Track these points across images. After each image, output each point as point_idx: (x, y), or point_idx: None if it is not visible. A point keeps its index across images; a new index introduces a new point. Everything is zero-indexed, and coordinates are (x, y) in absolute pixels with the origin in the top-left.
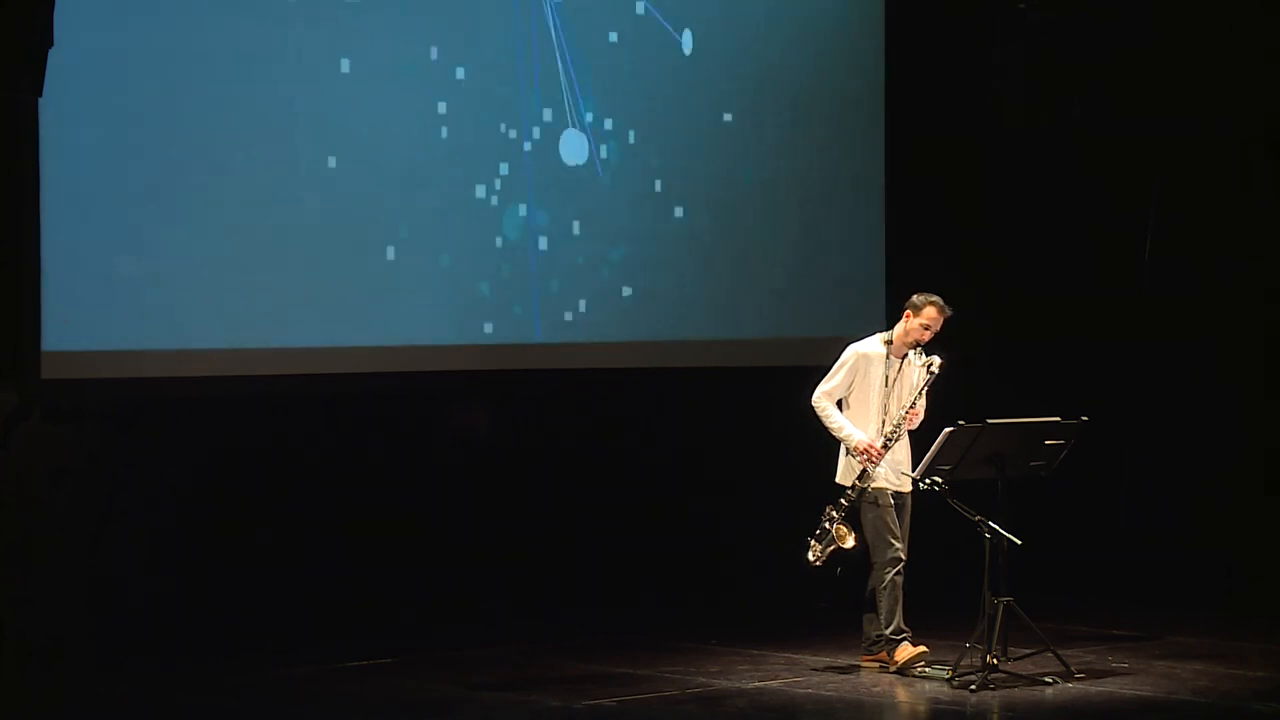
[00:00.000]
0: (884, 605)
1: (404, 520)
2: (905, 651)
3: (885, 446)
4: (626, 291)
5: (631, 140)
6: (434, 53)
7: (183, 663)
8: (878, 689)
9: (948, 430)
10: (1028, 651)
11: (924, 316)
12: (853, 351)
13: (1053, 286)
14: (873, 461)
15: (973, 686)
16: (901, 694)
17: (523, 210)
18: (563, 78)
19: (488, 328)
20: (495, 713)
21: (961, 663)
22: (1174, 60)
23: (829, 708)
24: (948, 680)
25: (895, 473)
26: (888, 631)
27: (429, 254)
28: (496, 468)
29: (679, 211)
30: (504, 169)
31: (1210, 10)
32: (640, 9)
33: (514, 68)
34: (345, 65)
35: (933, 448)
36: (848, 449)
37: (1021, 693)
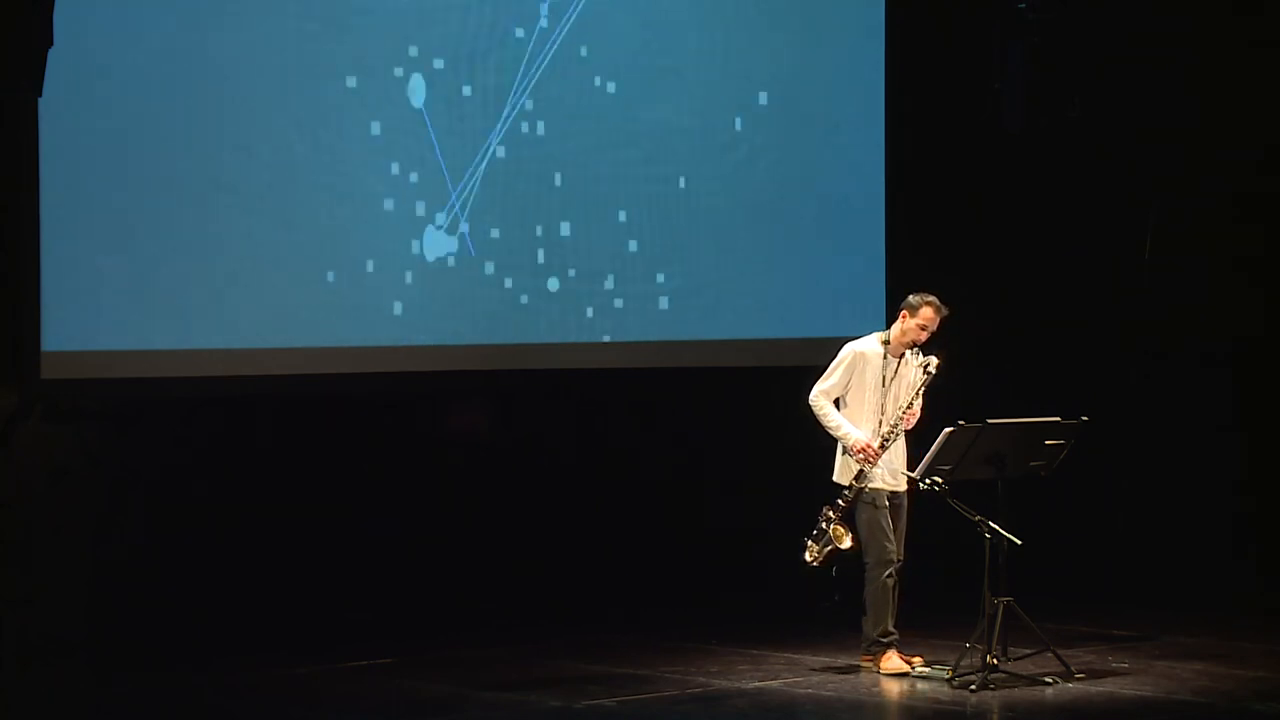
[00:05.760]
0: (873, 607)
1: (404, 520)
2: (891, 662)
3: (882, 447)
4: (628, 293)
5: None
6: (439, 64)
7: (183, 663)
8: (878, 689)
9: (947, 430)
10: (1028, 651)
11: (921, 317)
12: (850, 350)
13: (1053, 286)
14: (870, 462)
15: (973, 686)
16: (902, 694)
17: (522, 213)
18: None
19: (488, 328)
20: (495, 713)
21: (961, 663)
22: (1175, 60)
23: (829, 708)
24: (948, 680)
25: (891, 473)
26: (875, 634)
27: (430, 254)
28: (497, 468)
29: (679, 214)
30: (505, 174)
31: (1210, 10)
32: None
33: (514, 78)
34: (346, 65)
35: (933, 448)
36: (845, 448)
37: (1021, 693)
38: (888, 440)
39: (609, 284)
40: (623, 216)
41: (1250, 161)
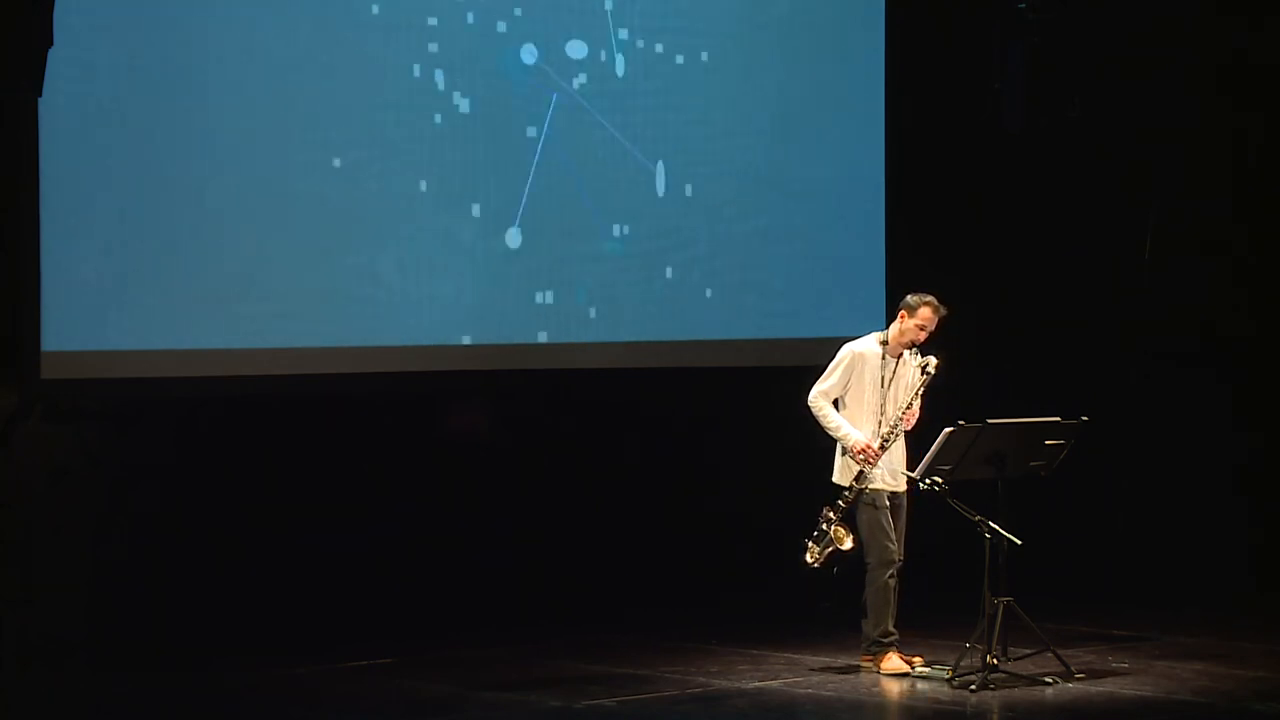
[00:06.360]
0: (873, 607)
1: (404, 520)
2: (891, 663)
3: (882, 447)
4: (627, 293)
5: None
6: (433, 55)
7: (183, 663)
8: (877, 689)
9: (947, 430)
10: (1028, 651)
11: (919, 317)
12: (849, 351)
13: (1053, 286)
14: (869, 462)
15: (973, 686)
16: (902, 694)
17: (522, 214)
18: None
19: (489, 328)
20: (495, 713)
21: (961, 663)
22: (1175, 60)
23: (829, 708)
24: (948, 680)
25: (891, 473)
26: (875, 634)
27: (430, 255)
28: (497, 468)
29: (678, 213)
30: (505, 172)
31: (1210, 10)
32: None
33: (516, 80)
34: (346, 66)
35: (933, 448)
36: (845, 449)
37: (1021, 693)
38: (887, 441)
39: (610, 284)
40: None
41: (1250, 161)
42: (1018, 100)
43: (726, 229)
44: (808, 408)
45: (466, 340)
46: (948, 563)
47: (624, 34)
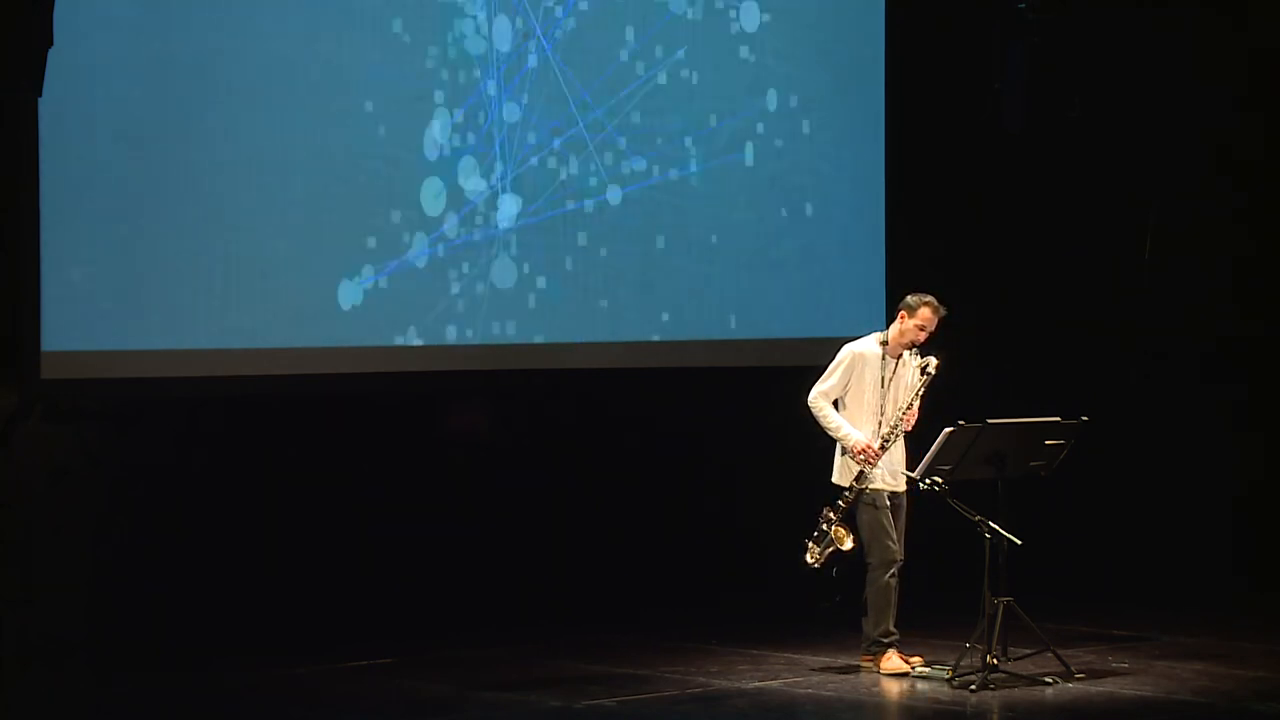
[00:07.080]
0: (874, 607)
1: (404, 520)
2: (891, 662)
3: (882, 447)
4: (627, 292)
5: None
6: (429, 60)
7: (183, 663)
8: (878, 689)
9: (947, 430)
10: (1028, 651)
11: (919, 317)
12: (849, 351)
13: (1053, 286)
14: (869, 463)
15: (973, 686)
16: (902, 694)
17: (521, 213)
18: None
19: (489, 328)
20: (495, 713)
21: (961, 663)
22: (1175, 59)
23: (829, 708)
24: (948, 680)
25: (891, 473)
26: (875, 634)
27: (428, 254)
28: (496, 468)
29: (677, 213)
30: (499, 169)
31: (1210, 10)
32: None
33: (510, 82)
34: (344, 66)
35: (933, 448)
36: (845, 450)
37: (1021, 693)
38: (887, 441)
39: (609, 283)
40: (622, 216)
41: (1250, 161)
42: (1018, 100)
43: (726, 229)
44: (807, 408)
45: (466, 340)
46: (948, 563)
47: None
